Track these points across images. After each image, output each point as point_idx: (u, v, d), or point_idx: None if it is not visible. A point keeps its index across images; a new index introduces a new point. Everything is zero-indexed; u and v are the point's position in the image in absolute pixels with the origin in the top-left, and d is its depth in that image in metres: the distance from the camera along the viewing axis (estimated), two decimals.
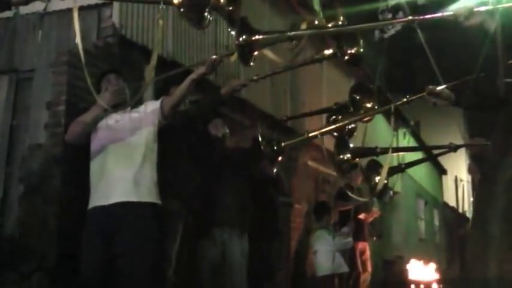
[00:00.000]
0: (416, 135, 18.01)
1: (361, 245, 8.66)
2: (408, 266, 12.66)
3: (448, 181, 24.87)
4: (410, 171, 16.41)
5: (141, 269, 3.87)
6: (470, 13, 2.86)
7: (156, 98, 5.22)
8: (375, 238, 9.60)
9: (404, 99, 4.58)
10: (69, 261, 4.17)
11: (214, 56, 4.17)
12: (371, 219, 8.99)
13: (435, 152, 7.39)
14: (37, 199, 4.66)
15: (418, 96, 4.25)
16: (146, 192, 4.04)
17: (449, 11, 3.03)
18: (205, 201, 5.03)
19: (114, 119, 4.19)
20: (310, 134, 5.17)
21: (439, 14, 3.19)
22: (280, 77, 8.44)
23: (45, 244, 4.51)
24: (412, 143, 16.82)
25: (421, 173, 18.52)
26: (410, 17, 3.40)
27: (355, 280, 8.44)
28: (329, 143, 10.00)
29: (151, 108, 4.23)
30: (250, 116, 7.43)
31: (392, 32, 8.76)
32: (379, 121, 13.95)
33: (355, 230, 8.16)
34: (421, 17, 3.27)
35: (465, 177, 23.07)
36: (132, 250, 3.86)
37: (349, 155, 6.94)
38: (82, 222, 3.97)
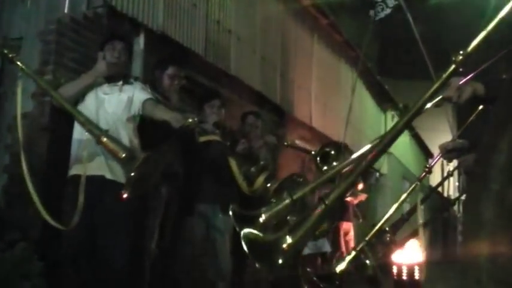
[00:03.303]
0: None
1: (345, 225, 8.71)
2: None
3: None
4: (397, 153, 16.47)
5: (116, 246, 3.93)
6: (460, 91, 2.86)
7: (145, 71, 5.21)
8: (360, 220, 9.63)
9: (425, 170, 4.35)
10: (54, 230, 4.16)
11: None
12: (357, 202, 9.04)
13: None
14: (22, 169, 4.64)
15: (436, 160, 4.27)
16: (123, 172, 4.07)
17: (440, 96, 3.00)
18: (190, 176, 5.02)
19: (103, 91, 4.19)
20: None
21: (431, 103, 3.15)
22: (271, 54, 8.43)
23: (30, 213, 4.50)
24: None
25: (407, 156, 18.61)
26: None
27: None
28: (317, 122, 10.05)
29: (137, 99, 4.24)
30: (239, 92, 7.42)
31: (382, 15, 8.78)
32: (367, 101, 13.98)
33: (340, 210, 8.20)
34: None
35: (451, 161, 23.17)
36: (106, 228, 3.92)
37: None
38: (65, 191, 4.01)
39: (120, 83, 4.26)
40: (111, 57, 4.24)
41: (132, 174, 3.41)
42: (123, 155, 3.44)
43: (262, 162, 4.90)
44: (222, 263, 5.24)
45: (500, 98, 1.87)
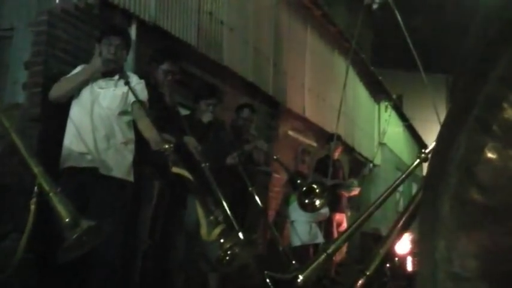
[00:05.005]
0: (398, 108, 18.06)
1: (338, 216, 8.70)
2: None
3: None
4: (391, 144, 16.49)
5: (108, 238, 3.92)
6: None
7: (137, 62, 5.19)
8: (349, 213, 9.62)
9: None
10: (45, 222, 4.16)
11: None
12: (349, 196, 9.07)
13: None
14: (14, 159, 4.62)
15: None
16: (117, 166, 4.07)
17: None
18: None
19: (98, 85, 4.21)
20: None
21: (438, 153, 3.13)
22: (263, 45, 8.41)
23: (21, 205, 4.49)
24: (394, 116, 16.87)
25: (401, 147, 18.62)
26: None
27: None
28: (310, 113, 10.04)
29: (130, 97, 4.26)
30: (231, 83, 7.40)
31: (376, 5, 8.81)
32: (361, 92, 13.98)
33: (333, 201, 8.20)
34: None
35: None
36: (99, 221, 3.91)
37: None
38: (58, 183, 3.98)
39: (116, 77, 4.26)
40: (107, 53, 4.24)
41: (70, 241, 3.33)
42: (67, 220, 3.34)
43: (220, 215, 4.76)
44: (213, 254, 5.24)
45: (458, 90, 1.83)
